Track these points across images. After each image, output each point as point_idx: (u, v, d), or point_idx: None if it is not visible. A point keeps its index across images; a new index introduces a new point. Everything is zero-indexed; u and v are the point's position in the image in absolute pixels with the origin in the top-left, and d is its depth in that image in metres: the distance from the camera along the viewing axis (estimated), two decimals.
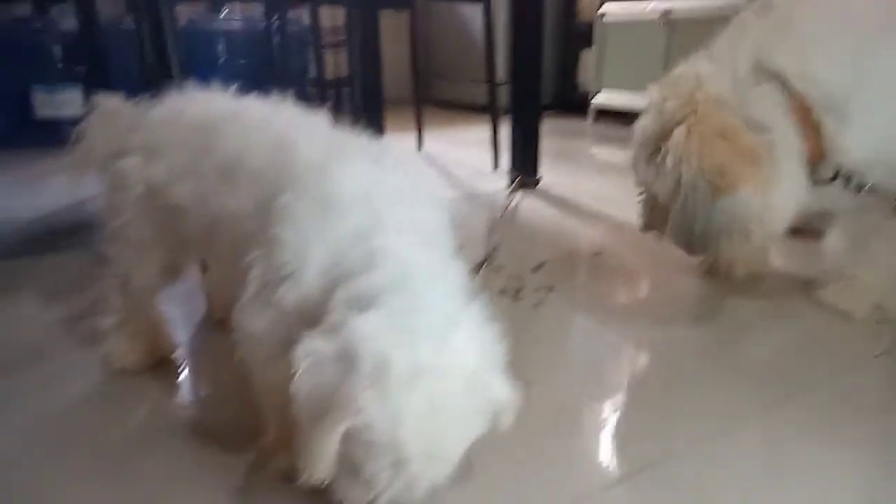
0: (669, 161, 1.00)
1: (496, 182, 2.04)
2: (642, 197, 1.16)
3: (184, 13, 3.13)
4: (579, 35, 3.52)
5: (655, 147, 1.03)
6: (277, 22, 2.68)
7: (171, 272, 0.89)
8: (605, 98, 3.26)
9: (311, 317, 0.59)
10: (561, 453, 0.75)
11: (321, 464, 0.53)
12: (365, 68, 2.64)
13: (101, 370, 0.92)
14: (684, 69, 1.06)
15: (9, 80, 2.57)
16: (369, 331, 0.54)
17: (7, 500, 0.68)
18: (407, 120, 2.69)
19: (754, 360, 0.98)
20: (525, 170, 1.98)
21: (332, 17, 3.07)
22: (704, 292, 1.22)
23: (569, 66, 3.69)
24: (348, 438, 0.53)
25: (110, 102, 0.91)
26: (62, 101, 2.58)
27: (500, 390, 0.59)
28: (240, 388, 0.72)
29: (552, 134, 2.58)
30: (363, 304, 0.56)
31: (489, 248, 1.38)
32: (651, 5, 2.95)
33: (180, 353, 0.97)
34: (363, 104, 2.70)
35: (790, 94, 0.97)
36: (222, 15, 3.16)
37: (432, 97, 4.17)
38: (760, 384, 0.89)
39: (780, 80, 0.97)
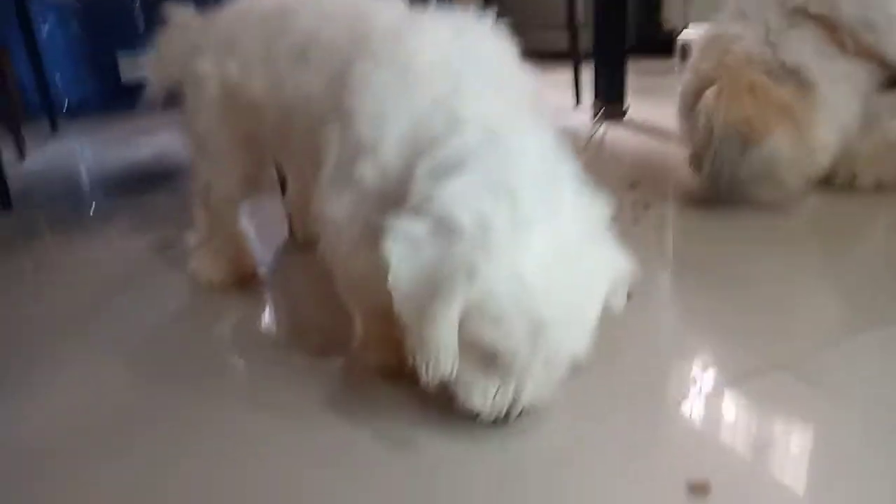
0: (702, 118, 1.02)
1: (579, 117, 1.92)
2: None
3: None
4: None
5: (692, 104, 1.06)
6: None
7: (251, 183, 0.86)
8: (693, 33, 3.02)
9: (395, 196, 0.53)
10: (686, 351, 0.67)
11: (444, 355, 0.48)
12: None
13: (190, 288, 0.91)
14: (718, 29, 1.10)
15: (98, 48, 2.66)
16: (462, 194, 0.48)
17: (108, 399, 0.67)
18: None
19: (875, 268, 0.85)
20: (610, 100, 1.85)
21: None
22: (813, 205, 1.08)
23: (652, 3, 3.45)
24: (470, 317, 0.47)
25: (183, 13, 0.88)
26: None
27: (616, 253, 0.52)
28: (326, 299, 0.68)
29: (637, 73, 2.42)
30: (449, 171, 0.50)
31: None
32: None
33: (264, 271, 0.94)
34: None
35: (822, 24, 1.00)
36: None
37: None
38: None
39: (804, 15, 1.01)
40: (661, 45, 3.30)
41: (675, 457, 0.52)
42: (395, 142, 0.54)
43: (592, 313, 0.50)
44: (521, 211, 0.47)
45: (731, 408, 0.58)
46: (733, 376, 0.62)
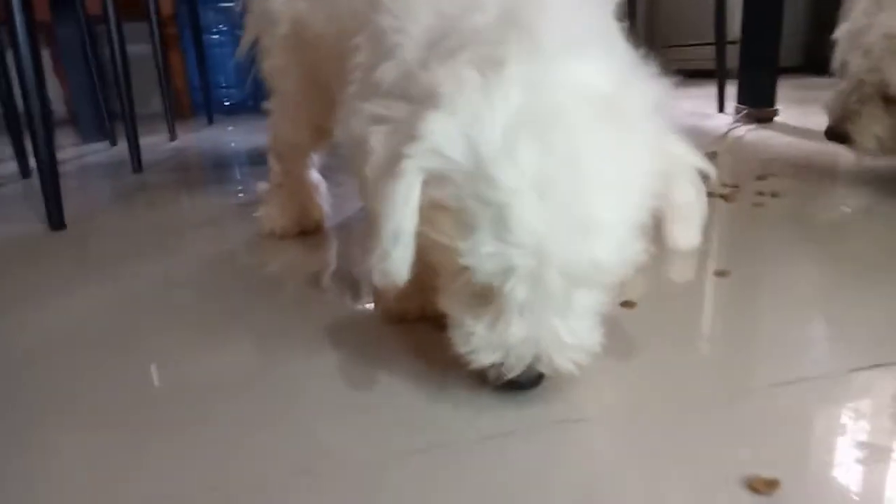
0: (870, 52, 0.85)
1: (719, 120, 1.72)
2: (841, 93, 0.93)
3: None
4: None
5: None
6: None
7: (318, 131, 0.81)
8: None
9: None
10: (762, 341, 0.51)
11: (395, 249, 0.38)
12: None
13: (253, 234, 0.90)
14: None
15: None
16: (449, 70, 0.39)
17: (171, 319, 0.65)
18: None
19: None
20: (757, 101, 1.63)
21: None
22: None
23: (825, 19, 3.08)
24: (429, 196, 0.37)
25: None
26: None
27: (680, 148, 0.40)
28: None
29: (798, 87, 2.17)
30: (452, 52, 0.41)
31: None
32: None
33: (329, 224, 0.90)
34: None
35: None
36: None
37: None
38: None
39: None
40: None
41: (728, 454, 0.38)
42: (417, 38, 0.46)
43: (624, 214, 0.37)
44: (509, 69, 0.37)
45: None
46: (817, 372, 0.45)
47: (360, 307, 0.62)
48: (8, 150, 1.56)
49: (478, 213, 0.36)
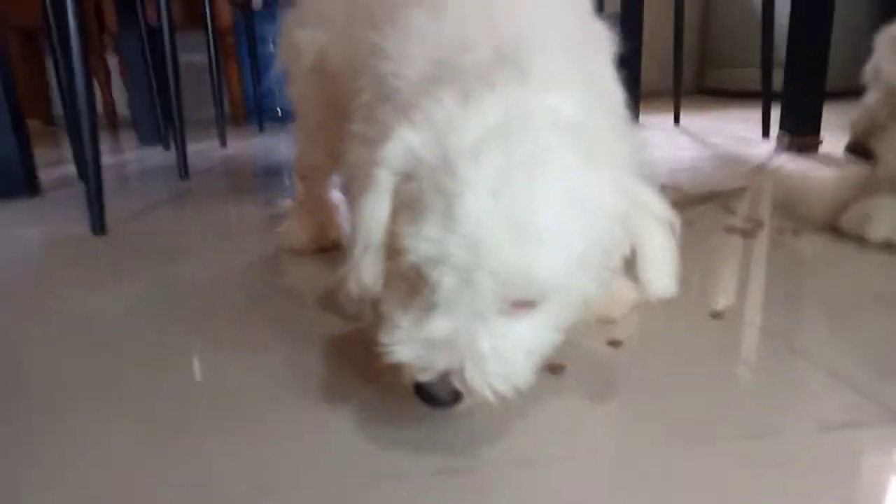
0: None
1: (762, 148, 1.68)
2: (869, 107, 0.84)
3: None
4: None
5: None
6: None
7: (337, 155, 0.85)
8: None
9: None
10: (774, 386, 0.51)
11: (366, 257, 0.41)
12: (626, 47, 2.49)
13: (275, 247, 0.94)
14: None
15: None
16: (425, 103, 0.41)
17: (184, 323, 0.69)
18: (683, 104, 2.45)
19: None
20: (802, 133, 1.59)
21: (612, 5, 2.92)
22: None
23: None
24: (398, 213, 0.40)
25: None
26: None
27: (647, 195, 0.42)
28: None
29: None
30: (446, 84, 0.43)
31: (727, 190, 1.10)
32: None
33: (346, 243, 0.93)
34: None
35: None
36: None
37: (707, 86, 3.74)
38: None
39: None
40: None
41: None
42: (413, 81, 0.48)
43: (571, 235, 0.38)
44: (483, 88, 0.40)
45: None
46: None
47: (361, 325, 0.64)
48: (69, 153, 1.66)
49: (432, 201, 0.38)
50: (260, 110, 2.73)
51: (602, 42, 0.55)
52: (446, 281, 0.38)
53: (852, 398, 0.48)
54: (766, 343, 0.59)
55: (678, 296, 0.68)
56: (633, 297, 0.64)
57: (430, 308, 0.39)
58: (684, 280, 0.73)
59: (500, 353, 0.39)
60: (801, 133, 1.58)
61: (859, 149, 0.84)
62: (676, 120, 2.36)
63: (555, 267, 0.38)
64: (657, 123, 2.42)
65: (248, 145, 2.30)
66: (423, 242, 0.38)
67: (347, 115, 0.72)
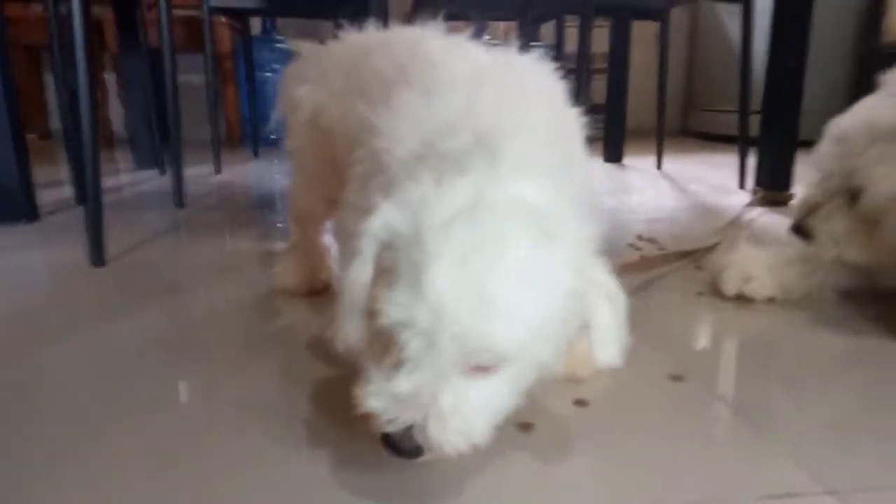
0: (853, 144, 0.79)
1: (736, 199, 1.76)
2: (812, 190, 0.88)
3: None
4: (883, 58, 2.93)
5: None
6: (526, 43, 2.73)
7: (331, 203, 0.90)
8: None
9: None
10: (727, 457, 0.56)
11: (349, 318, 0.47)
12: (612, 90, 2.59)
13: (268, 286, 0.98)
14: None
15: None
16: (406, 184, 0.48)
17: (178, 363, 0.73)
18: (667, 147, 2.55)
19: None
20: (774, 187, 1.67)
21: (601, 45, 3.02)
22: None
23: (864, 96, 3.09)
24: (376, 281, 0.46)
25: (306, 47, 0.94)
26: None
27: (601, 274, 0.47)
28: None
29: None
30: (430, 167, 0.49)
31: (700, 248, 1.17)
32: None
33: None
34: (605, 126, 2.65)
35: None
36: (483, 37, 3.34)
37: (691, 128, 3.86)
38: None
39: None
40: None
41: None
42: (403, 159, 0.54)
43: (528, 307, 0.44)
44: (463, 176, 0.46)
45: None
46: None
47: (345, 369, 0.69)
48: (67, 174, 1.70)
49: (405, 270, 0.43)
50: (255, 134, 2.79)
51: (573, 128, 0.61)
52: (413, 343, 0.43)
53: (793, 470, 0.53)
54: (720, 408, 0.64)
55: (643, 357, 0.74)
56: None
57: (399, 366, 0.44)
58: (650, 341, 0.79)
59: (460, 411, 0.43)
60: (773, 188, 1.66)
61: (801, 230, 0.87)
62: (659, 164, 2.45)
63: (511, 337, 0.43)
64: (641, 166, 2.50)
65: (242, 171, 2.35)
66: (393, 307, 0.43)
67: (340, 167, 0.77)
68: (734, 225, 1.43)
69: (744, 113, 2.01)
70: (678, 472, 0.53)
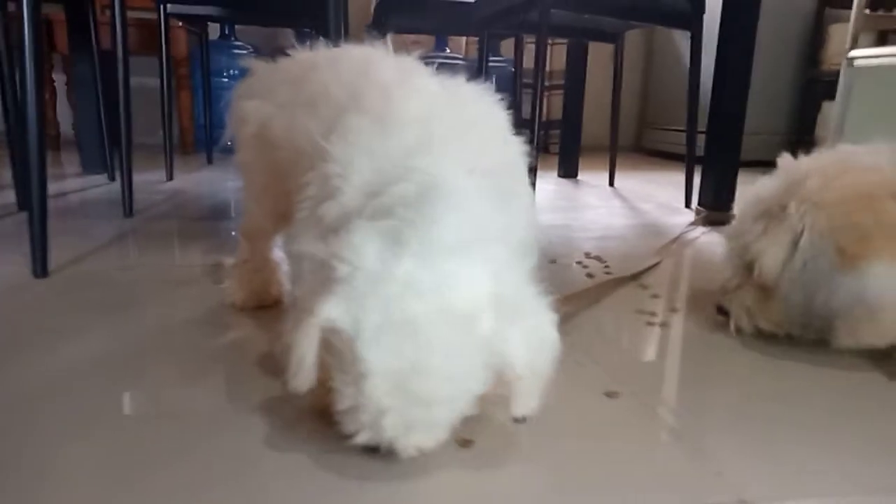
0: (793, 216, 0.82)
1: (684, 218, 1.83)
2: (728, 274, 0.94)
3: (414, 50, 3.44)
4: (823, 85, 3.10)
5: (775, 206, 0.85)
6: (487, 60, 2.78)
7: (280, 218, 0.90)
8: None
9: None
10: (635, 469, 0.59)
11: (302, 367, 0.51)
12: (568, 107, 2.66)
13: (218, 301, 0.99)
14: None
15: None
16: (356, 240, 0.51)
17: (125, 382, 0.73)
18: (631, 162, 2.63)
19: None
20: (716, 207, 1.75)
21: (561, 62, 3.09)
22: None
23: (806, 120, 3.26)
24: (325, 343, 0.50)
25: (257, 63, 0.94)
26: None
27: (515, 348, 0.51)
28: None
29: None
30: (378, 215, 0.53)
31: (643, 268, 1.22)
32: None
33: (287, 301, 0.99)
34: (561, 143, 2.72)
35: None
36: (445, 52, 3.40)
37: (645, 146, 3.98)
38: None
39: None
40: None
41: None
42: (358, 186, 0.57)
43: (444, 400, 0.51)
44: (393, 269, 0.49)
45: None
46: None
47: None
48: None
49: (347, 370, 0.49)
50: (210, 141, 2.75)
51: (517, 162, 0.65)
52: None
53: (717, 481, 0.56)
54: (651, 424, 0.68)
55: (581, 374, 0.77)
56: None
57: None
58: (588, 358, 0.82)
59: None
60: (715, 207, 1.74)
61: (720, 309, 0.93)
62: (612, 181, 2.52)
63: (446, 417, 0.52)
64: (595, 182, 2.58)
65: (195, 178, 2.32)
66: (342, 399, 0.51)
67: (288, 182, 0.77)
68: (676, 243, 1.49)
69: (691, 134, 2.09)
70: (607, 485, 0.56)
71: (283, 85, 0.80)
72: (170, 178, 2.20)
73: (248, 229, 0.96)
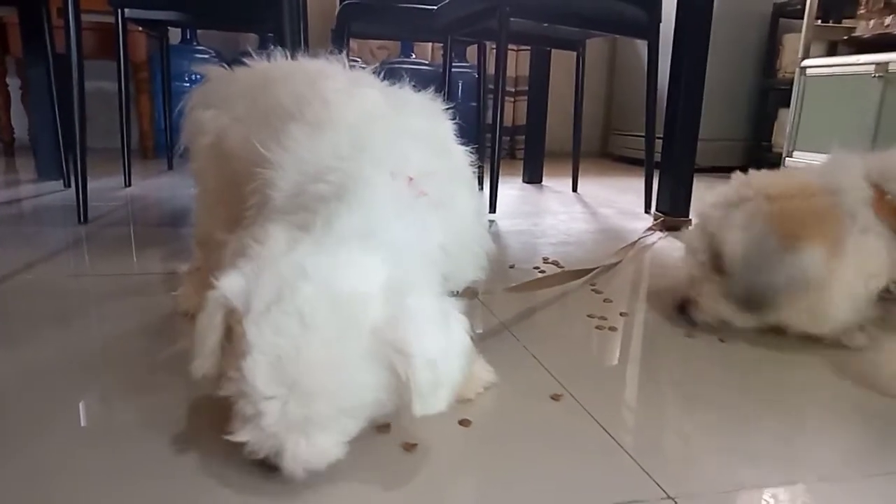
0: (748, 205, 0.94)
1: (643, 223, 1.88)
2: (691, 265, 1.02)
3: (380, 55, 3.46)
4: (778, 93, 3.20)
5: (734, 198, 0.97)
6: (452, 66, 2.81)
7: (233, 226, 0.91)
8: (798, 159, 2.89)
9: None
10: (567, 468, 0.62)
11: (203, 348, 0.53)
12: (531, 113, 2.70)
13: (171, 310, 0.98)
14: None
15: None
16: (269, 227, 0.55)
17: (75, 396, 0.72)
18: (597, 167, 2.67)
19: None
20: (672, 212, 1.80)
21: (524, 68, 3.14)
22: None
23: (764, 127, 3.36)
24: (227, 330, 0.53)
25: (212, 70, 0.97)
26: None
27: (410, 341, 0.51)
28: None
29: None
30: (296, 209, 0.57)
31: (596, 267, 1.25)
32: (865, 57, 2.58)
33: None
34: (526, 148, 2.76)
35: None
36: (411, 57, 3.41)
37: (609, 151, 4.05)
38: None
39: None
40: (770, 166, 3.17)
41: None
42: (291, 189, 0.60)
43: (333, 392, 0.50)
44: (290, 261, 0.52)
45: None
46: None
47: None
48: None
49: (238, 351, 0.50)
50: (170, 146, 2.72)
51: (458, 168, 0.67)
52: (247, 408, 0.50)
53: (640, 477, 0.59)
54: (589, 425, 0.70)
55: (528, 378, 0.79)
56: (487, 379, 0.75)
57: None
58: (537, 362, 0.84)
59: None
60: (672, 212, 1.79)
61: (683, 305, 1.01)
62: (575, 187, 2.56)
63: (326, 416, 0.50)
64: (559, 187, 2.61)
65: (154, 185, 2.29)
66: (229, 384, 0.51)
67: (242, 191, 0.76)
68: (633, 247, 1.53)
69: (649, 140, 2.14)
70: (543, 484, 0.58)
71: (241, 96, 0.81)
72: (128, 183, 2.17)
73: (202, 236, 0.96)
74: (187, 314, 0.94)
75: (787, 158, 2.96)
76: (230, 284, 0.52)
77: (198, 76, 1.00)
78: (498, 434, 0.67)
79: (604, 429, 0.68)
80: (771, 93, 3.31)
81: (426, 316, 0.53)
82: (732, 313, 0.95)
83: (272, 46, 0.91)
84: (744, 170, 1.01)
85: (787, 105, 2.99)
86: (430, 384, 0.51)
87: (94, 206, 1.65)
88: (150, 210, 1.87)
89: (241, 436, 0.50)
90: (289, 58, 0.86)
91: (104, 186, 2.09)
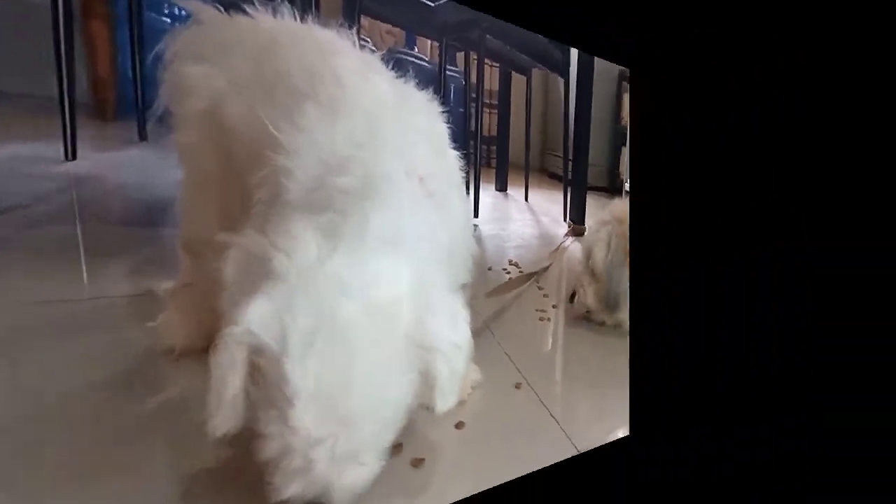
0: (610, 225, 1.05)
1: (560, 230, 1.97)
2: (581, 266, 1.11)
3: (388, 40, 3.15)
4: (622, 135, 3.40)
5: (608, 218, 1.08)
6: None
7: (230, 223, 0.59)
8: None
9: None
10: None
11: (221, 401, 0.41)
12: (500, 127, 2.68)
13: (148, 346, 0.66)
14: None
15: None
16: (293, 230, 0.45)
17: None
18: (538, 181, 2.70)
19: None
20: (577, 218, 1.91)
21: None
22: None
23: (615, 159, 3.55)
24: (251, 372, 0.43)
25: (205, 10, 0.70)
26: None
27: (436, 339, 0.46)
28: None
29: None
30: (318, 206, 0.48)
31: (538, 269, 1.31)
32: None
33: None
34: (497, 159, 2.75)
35: None
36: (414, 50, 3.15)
37: (546, 168, 4.12)
38: None
39: None
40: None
41: None
42: (302, 182, 0.51)
43: (368, 388, 0.44)
44: (318, 267, 0.44)
45: None
46: None
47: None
48: None
49: (276, 395, 0.41)
50: (142, 105, 1.58)
51: (452, 171, 0.62)
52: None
53: (565, 442, 0.63)
54: (536, 408, 0.72)
55: (495, 368, 0.79)
56: (475, 378, 0.73)
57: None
58: (502, 353, 0.85)
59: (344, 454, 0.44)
60: (576, 221, 1.90)
61: (572, 298, 1.08)
62: (526, 197, 2.58)
63: (371, 437, 0.44)
64: (518, 196, 2.57)
65: (115, 160, 1.39)
66: (268, 443, 0.42)
67: (242, 179, 0.58)
68: (555, 252, 1.60)
69: (566, 162, 2.23)
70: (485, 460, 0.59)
71: (244, 56, 0.62)
72: (71, 155, 1.26)
73: (190, 239, 0.67)
74: (173, 353, 0.64)
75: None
76: (256, 314, 0.41)
77: (183, 12, 0.68)
78: (487, 431, 0.66)
79: (550, 411, 0.71)
80: (617, 135, 3.49)
81: (445, 313, 0.48)
82: (600, 310, 1.04)
83: (279, 0, 0.68)
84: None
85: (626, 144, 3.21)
86: (449, 378, 0.47)
87: (18, 192, 0.94)
88: (110, 199, 1.15)
89: (288, 491, 0.41)
90: (297, 19, 0.67)
91: (33, 155, 1.20)
